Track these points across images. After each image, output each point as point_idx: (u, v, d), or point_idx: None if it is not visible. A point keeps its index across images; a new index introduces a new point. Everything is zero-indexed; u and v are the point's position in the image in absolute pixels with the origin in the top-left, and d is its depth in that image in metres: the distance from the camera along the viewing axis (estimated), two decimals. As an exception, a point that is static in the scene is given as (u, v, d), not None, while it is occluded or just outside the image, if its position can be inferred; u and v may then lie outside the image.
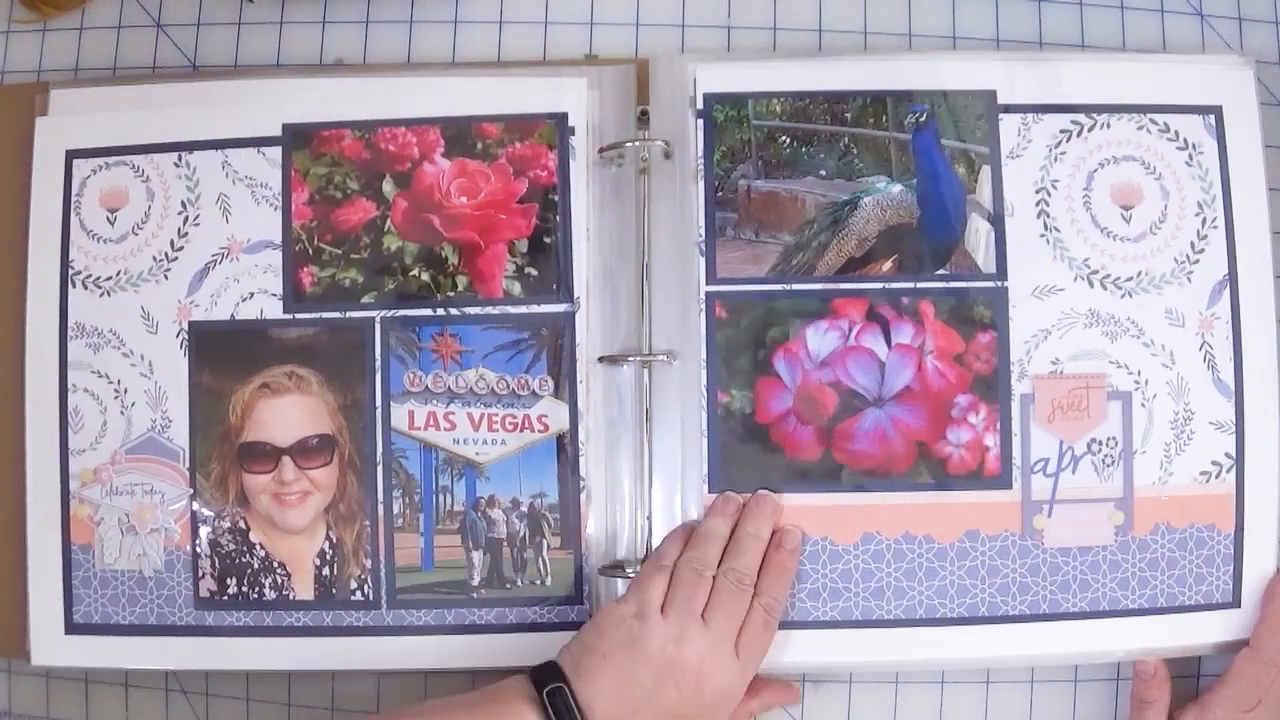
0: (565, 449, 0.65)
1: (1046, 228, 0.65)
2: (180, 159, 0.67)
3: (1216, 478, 0.64)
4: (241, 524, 0.66)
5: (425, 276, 0.66)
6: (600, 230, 0.66)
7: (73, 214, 0.67)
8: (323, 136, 0.67)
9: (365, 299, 0.66)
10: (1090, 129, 0.65)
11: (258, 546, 0.66)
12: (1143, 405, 0.64)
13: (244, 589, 0.65)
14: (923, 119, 0.65)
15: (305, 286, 0.66)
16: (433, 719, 0.57)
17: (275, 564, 0.65)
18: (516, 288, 0.66)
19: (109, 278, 0.67)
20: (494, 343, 0.65)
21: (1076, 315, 0.64)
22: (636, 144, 0.65)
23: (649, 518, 0.64)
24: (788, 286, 0.65)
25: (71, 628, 0.66)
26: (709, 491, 0.64)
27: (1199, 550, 0.64)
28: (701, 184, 0.65)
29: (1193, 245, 0.65)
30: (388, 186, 0.66)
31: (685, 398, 0.64)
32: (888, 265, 0.65)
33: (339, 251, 0.66)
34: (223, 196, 0.67)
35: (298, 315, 0.66)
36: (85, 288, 0.67)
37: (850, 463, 0.64)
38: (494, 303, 0.66)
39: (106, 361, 0.66)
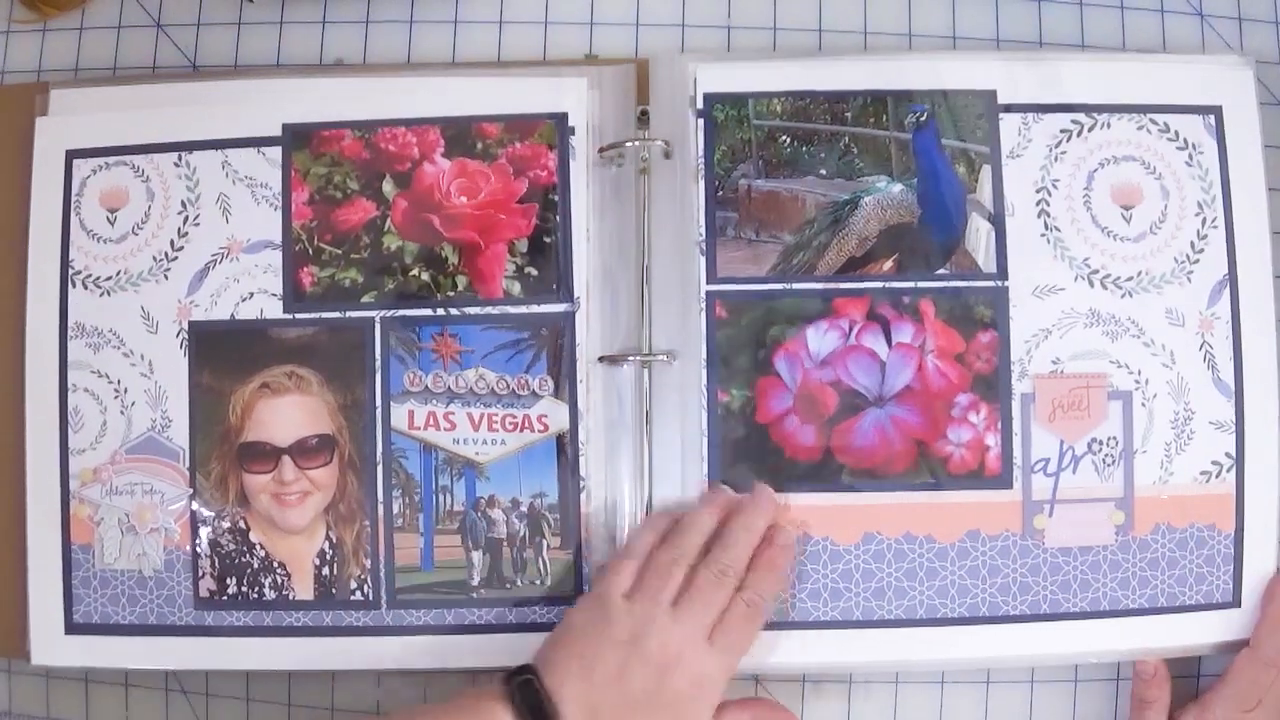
0: (565, 449, 0.65)
1: (1047, 227, 0.65)
2: (180, 159, 0.67)
3: (1217, 477, 0.64)
4: (241, 524, 0.66)
5: (425, 276, 0.66)
6: (600, 230, 0.66)
7: (73, 214, 0.67)
8: (323, 136, 0.67)
9: (365, 299, 0.66)
10: (1090, 129, 0.65)
11: (257, 546, 0.66)
12: (1143, 405, 0.64)
13: (244, 589, 0.65)
14: (923, 119, 0.65)
15: (305, 286, 0.66)
16: None
17: (275, 564, 0.65)
18: (516, 288, 0.66)
19: (109, 278, 0.67)
20: (494, 343, 0.65)
21: (1077, 315, 0.64)
22: (636, 144, 0.65)
23: (649, 518, 0.64)
24: (788, 286, 0.65)
25: (71, 627, 0.66)
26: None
27: (1199, 550, 0.64)
28: (702, 184, 0.65)
29: (1193, 245, 0.65)
30: (388, 186, 0.66)
31: (685, 397, 0.64)
32: (888, 265, 0.65)
33: (339, 251, 0.66)
34: (223, 196, 0.67)
35: (298, 315, 0.66)
36: (85, 288, 0.67)
37: (851, 462, 0.64)
38: (494, 303, 0.66)
39: (106, 361, 0.66)
